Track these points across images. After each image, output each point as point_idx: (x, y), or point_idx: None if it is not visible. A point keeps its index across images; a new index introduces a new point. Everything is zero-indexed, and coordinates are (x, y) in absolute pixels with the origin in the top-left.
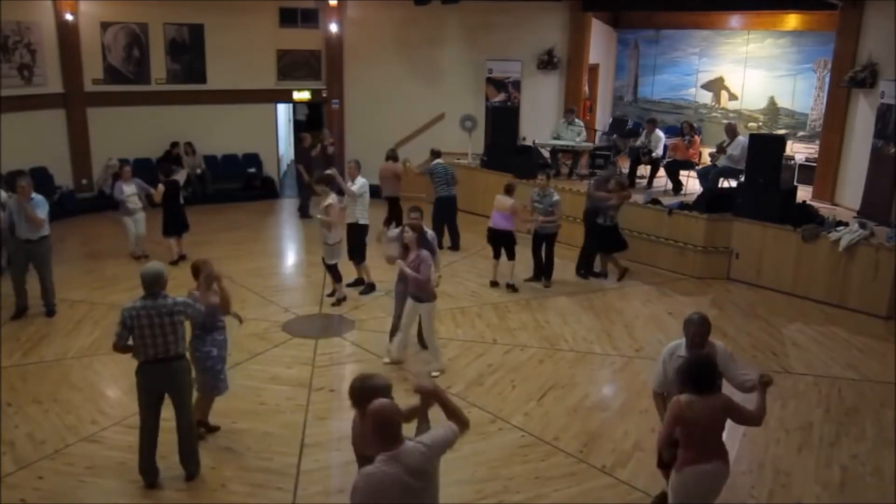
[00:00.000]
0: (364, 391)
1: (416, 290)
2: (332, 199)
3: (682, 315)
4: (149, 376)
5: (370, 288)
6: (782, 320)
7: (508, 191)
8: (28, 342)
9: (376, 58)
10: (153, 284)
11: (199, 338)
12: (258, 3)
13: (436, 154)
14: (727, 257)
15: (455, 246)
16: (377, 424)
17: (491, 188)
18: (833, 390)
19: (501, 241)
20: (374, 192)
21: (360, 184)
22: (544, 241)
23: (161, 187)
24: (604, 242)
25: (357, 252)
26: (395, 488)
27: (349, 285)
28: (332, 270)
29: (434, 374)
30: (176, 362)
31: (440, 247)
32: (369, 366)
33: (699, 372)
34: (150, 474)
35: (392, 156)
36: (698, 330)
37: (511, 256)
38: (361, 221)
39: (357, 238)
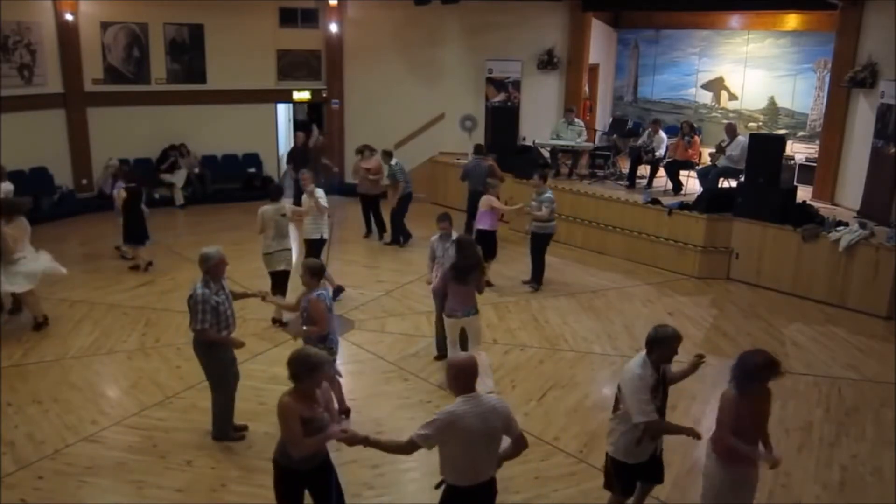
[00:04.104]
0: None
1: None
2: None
3: (682, 315)
4: None
5: (340, 290)
6: (782, 320)
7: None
8: (28, 342)
9: (376, 58)
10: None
11: None
12: (258, 3)
13: (389, 154)
14: (727, 257)
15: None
16: (454, 372)
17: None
18: (833, 390)
19: (481, 241)
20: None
21: (320, 194)
22: (535, 242)
23: (123, 193)
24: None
25: None
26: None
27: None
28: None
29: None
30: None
31: (401, 242)
32: (369, 366)
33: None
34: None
35: (363, 150)
36: (676, 346)
37: (487, 255)
38: (325, 236)
39: (318, 253)
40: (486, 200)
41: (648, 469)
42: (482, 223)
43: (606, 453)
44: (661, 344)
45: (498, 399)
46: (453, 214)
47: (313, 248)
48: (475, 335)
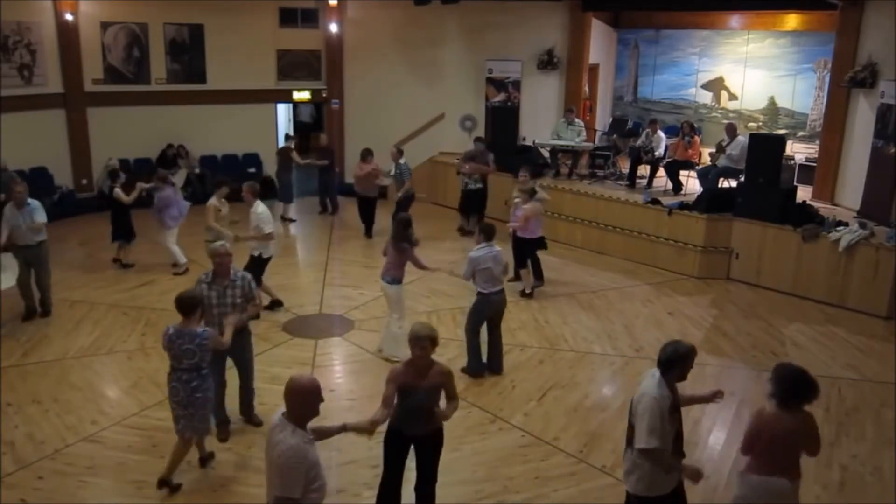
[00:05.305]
0: None
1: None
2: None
3: (682, 315)
4: None
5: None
6: (782, 320)
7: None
8: (28, 342)
9: (376, 58)
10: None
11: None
12: (258, 3)
13: (401, 152)
14: (727, 257)
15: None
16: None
17: (491, 188)
18: (833, 390)
19: (519, 248)
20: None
21: (260, 210)
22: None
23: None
24: (470, 204)
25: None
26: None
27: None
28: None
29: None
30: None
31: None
32: (369, 366)
33: (805, 383)
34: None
35: (365, 154)
36: (693, 361)
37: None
38: (265, 255)
39: (258, 269)
40: (527, 208)
41: (672, 502)
42: (522, 231)
43: (627, 492)
44: (681, 361)
45: (291, 450)
46: (453, 214)
47: (253, 264)
48: (389, 303)
